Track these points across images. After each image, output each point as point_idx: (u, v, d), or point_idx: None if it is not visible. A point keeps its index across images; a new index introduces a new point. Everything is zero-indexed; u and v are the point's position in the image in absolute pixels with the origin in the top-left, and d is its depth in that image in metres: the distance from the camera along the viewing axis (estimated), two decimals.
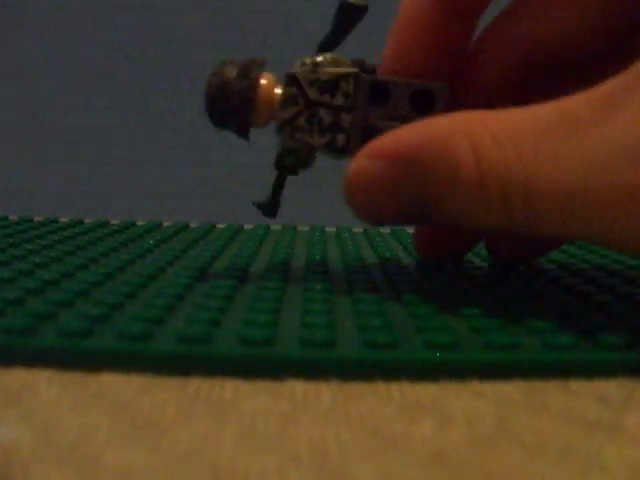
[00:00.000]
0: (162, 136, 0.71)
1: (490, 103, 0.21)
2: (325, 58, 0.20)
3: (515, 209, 0.16)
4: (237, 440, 0.12)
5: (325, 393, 0.14)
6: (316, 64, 0.20)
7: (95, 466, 0.11)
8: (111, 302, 0.18)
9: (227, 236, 0.31)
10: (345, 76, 0.20)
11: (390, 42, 0.21)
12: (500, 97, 0.22)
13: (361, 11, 0.21)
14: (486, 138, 0.16)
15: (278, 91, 0.20)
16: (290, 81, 0.20)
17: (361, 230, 0.35)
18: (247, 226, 0.36)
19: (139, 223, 0.35)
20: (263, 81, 0.20)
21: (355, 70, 0.20)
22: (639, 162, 0.14)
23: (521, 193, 0.16)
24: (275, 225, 0.36)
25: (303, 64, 0.20)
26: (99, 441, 0.12)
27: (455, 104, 0.20)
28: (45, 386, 0.14)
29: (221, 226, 0.36)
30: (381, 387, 0.15)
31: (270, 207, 0.22)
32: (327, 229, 0.35)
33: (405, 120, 0.19)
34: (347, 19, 0.21)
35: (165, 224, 0.36)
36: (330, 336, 0.15)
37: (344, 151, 0.20)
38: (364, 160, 0.18)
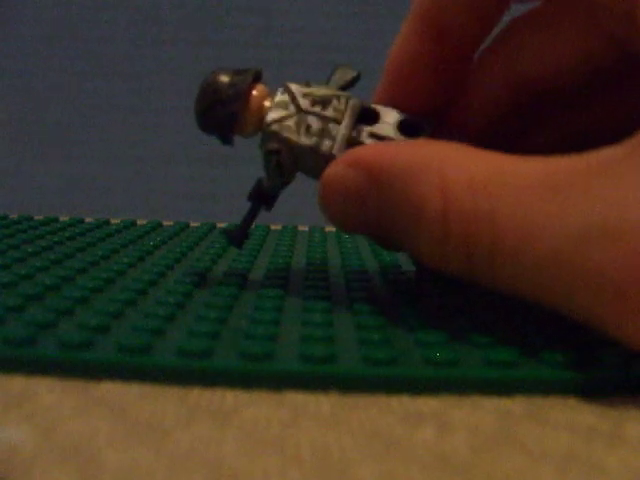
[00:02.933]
0: (162, 135, 0.71)
1: (483, 134, 0.21)
2: (319, 86, 0.21)
3: (477, 263, 0.16)
4: (238, 442, 0.12)
5: (325, 403, 0.14)
6: (310, 85, 0.21)
7: (96, 466, 0.11)
8: (111, 311, 0.18)
9: None
10: (337, 96, 0.20)
11: (382, 81, 0.21)
12: (492, 128, 0.21)
13: (354, 79, 0.21)
14: (463, 181, 0.16)
15: (268, 104, 0.20)
16: (283, 90, 0.20)
17: None
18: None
19: (139, 222, 0.35)
20: (254, 92, 0.20)
21: (347, 94, 0.21)
22: (600, 243, 0.14)
23: (486, 249, 0.15)
24: (275, 225, 0.36)
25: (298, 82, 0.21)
26: (100, 442, 0.12)
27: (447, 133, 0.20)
28: (46, 392, 0.14)
29: (221, 225, 0.36)
30: (381, 399, 0.15)
31: (238, 238, 0.22)
32: (327, 229, 0.35)
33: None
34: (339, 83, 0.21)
35: (165, 223, 0.36)
36: (329, 351, 0.15)
37: (326, 158, 0.20)
38: (339, 166, 0.18)
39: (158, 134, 0.71)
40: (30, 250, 0.26)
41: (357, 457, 0.12)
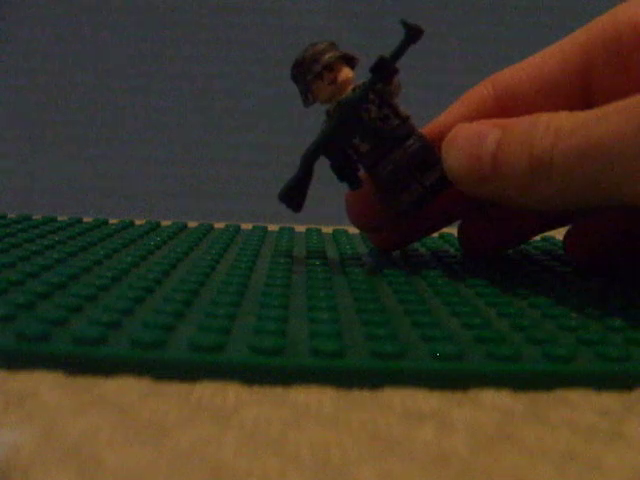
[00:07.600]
0: (161, 134, 0.71)
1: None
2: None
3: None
4: (238, 442, 0.13)
5: (326, 402, 0.14)
6: None
7: (96, 466, 0.11)
8: (121, 308, 0.18)
9: (226, 238, 0.31)
10: None
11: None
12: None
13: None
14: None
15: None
16: None
17: (357, 232, 0.36)
18: (245, 225, 0.36)
19: (137, 223, 0.35)
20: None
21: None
22: None
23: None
24: (272, 226, 0.36)
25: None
26: (100, 442, 0.12)
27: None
28: (47, 390, 0.14)
29: (219, 226, 0.36)
30: (381, 398, 0.15)
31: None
32: (324, 230, 0.36)
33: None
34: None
35: (163, 223, 0.36)
36: (339, 346, 0.16)
37: None
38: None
39: (157, 134, 0.71)
40: (33, 249, 0.26)
41: (357, 457, 0.12)
